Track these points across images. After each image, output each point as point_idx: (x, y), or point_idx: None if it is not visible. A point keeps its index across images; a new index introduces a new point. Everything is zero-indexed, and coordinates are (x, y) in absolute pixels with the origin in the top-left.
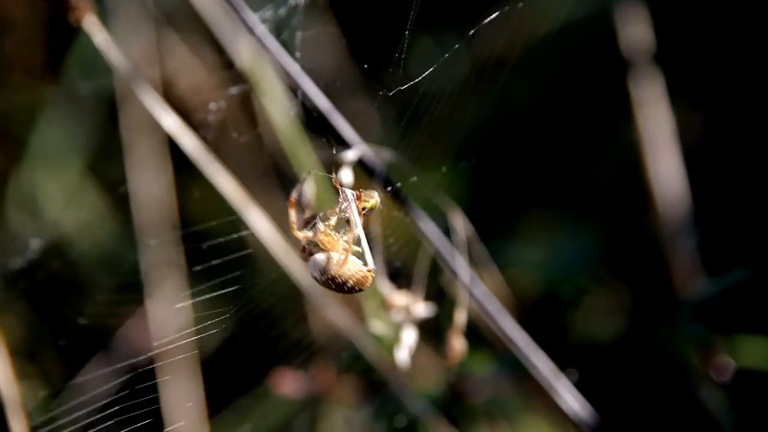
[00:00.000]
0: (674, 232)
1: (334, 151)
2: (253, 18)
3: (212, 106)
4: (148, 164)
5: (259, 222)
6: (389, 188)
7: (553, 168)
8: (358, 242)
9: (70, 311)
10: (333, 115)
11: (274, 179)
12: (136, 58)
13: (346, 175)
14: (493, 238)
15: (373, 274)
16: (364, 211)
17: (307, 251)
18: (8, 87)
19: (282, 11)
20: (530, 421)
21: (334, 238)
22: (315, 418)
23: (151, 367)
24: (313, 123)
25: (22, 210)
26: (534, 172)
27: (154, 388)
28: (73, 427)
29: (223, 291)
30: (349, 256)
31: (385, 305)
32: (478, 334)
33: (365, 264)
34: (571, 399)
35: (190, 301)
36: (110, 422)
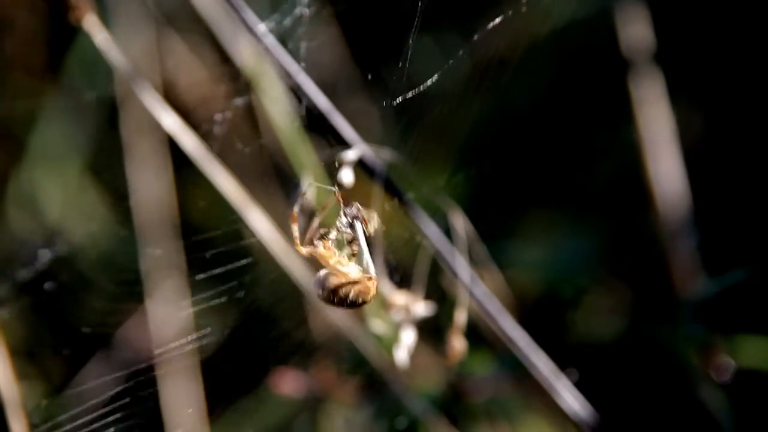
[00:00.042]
0: (674, 232)
1: (335, 151)
2: (253, 18)
3: (218, 116)
4: (148, 164)
5: (259, 222)
6: (389, 188)
7: (553, 168)
8: (360, 255)
9: (70, 311)
10: (333, 114)
11: (274, 179)
12: (136, 58)
13: (347, 175)
14: (493, 238)
15: (375, 282)
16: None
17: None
18: (8, 87)
19: (287, 21)
20: (530, 420)
21: (334, 253)
22: (315, 418)
23: (151, 367)
24: (313, 122)
25: (21, 210)
26: (534, 172)
27: (153, 388)
28: (72, 425)
29: (224, 291)
30: (349, 267)
31: (385, 305)
32: (478, 333)
33: (366, 273)
34: (571, 399)
35: (191, 305)
36: (110, 422)
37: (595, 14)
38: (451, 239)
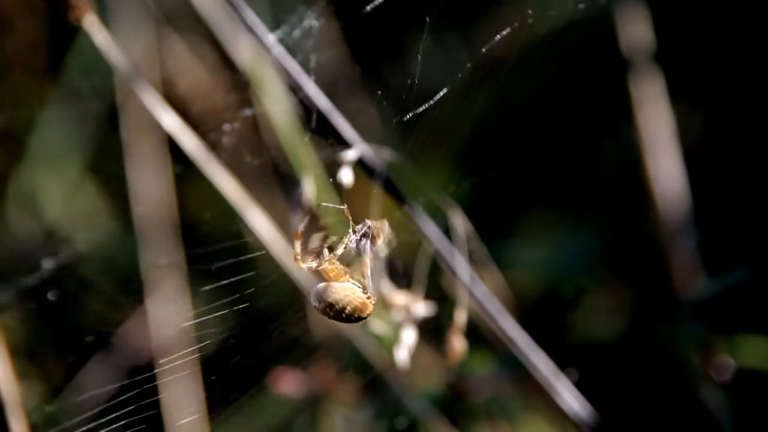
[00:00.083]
0: (674, 231)
1: (335, 151)
2: (253, 17)
3: (226, 127)
4: (148, 164)
5: (259, 222)
6: (389, 188)
7: (553, 168)
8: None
9: (70, 312)
10: (333, 114)
11: (274, 179)
12: (136, 57)
13: (347, 175)
14: (493, 238)
15: (373, 302)
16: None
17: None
18: (8, 87)
19: (289, 23)
20: (530, 420)
21: (338, 269)
22: (315, 418)
23: (151, 367)
24: (314, 122)
25: (22, 210)
26: (534, 172)
27: (154, 389)
28: (69, 421)
29: (224, 291)
30: (349, 283)
31: (385, 305)
32: (478, 333)
33: (365, 291)
34: (571, 399)
35: (191, 305)
36: (110, 422)
37: (595, 14)
38: (451, 239)
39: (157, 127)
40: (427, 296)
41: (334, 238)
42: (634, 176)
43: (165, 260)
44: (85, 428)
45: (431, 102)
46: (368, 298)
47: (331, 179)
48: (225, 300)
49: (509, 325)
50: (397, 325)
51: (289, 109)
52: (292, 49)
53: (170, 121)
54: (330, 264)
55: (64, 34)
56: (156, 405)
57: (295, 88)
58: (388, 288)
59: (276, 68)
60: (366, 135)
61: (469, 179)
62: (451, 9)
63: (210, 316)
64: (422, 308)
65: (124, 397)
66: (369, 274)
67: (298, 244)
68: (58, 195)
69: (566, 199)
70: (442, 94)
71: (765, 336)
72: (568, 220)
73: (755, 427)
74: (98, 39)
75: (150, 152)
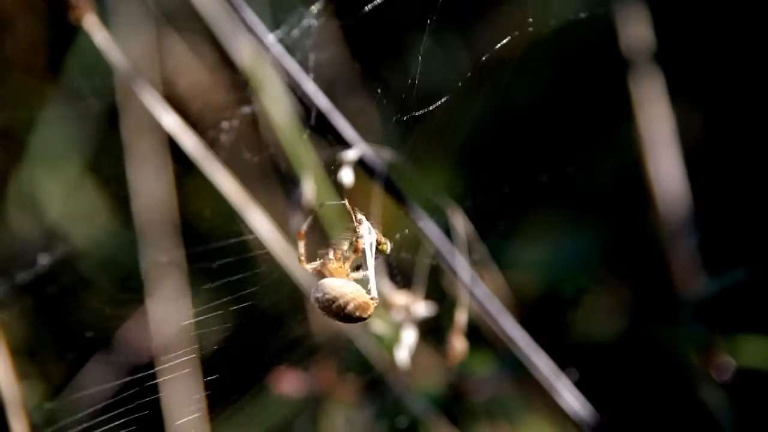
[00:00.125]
0: (674, 231)
1: (335, 151)
2: (253, 17)
3: (225, 125)
4: (148, 164)
5: (259, 221)
6: (389, 188)
7: (553, 168)
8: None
9: (71, 311)
10: (333, 114)
11: (274, 178)
12: (136, 57)
13: (347, 175)
14: (493, 238)
15: (375, 303)
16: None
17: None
18: (8, 87)
19: (295, 32)
20: (531, 420)
21: (341, 267)
22: (316, 418)
23: (151, 366)
24: (314, 123)
25: (22, 209)
26: (534, 172)
27: (154, 388)
28: (69, 421)
29: (224, 291)
30: (352, 282)
31: (386, 305)
32: (479, 333)
33: (368, 292)
34: (571, 398)
35: (191, 305)
36: (110, 422)
37: (595, 14)
38: (451, 239)
39: (157, 126)
40: (428, 296)
41: (336, 238)
42: (634, 176)
43: (165, 258)
44: (85, 425)
45: (432, 107)
46: (371, 299)
47: (331, 179)
48: (226, 299)
49: (509, 325)
50: (397, 325)
51: (289, 108)
52: (291, 48)
53: (170, 121)
54: (335, 262)
55: (64, 34)
56: (156, 404)
57: (294, 88)
58: (388, 288)
59: (275, 67)
60: (366, 135)
61: (469, 179)
62: (451, 9)
63: (210, 313)
64: (422, 308)
65: (124, 396)
66: (372, 274)
67: (301, 245)
68: (58, 195)
69: (566, 199)
70: (443, 100)
71: (765, 336)
72: (568, 220)
73: (755, 427)
74: (98, 39)
75: (150, 152)
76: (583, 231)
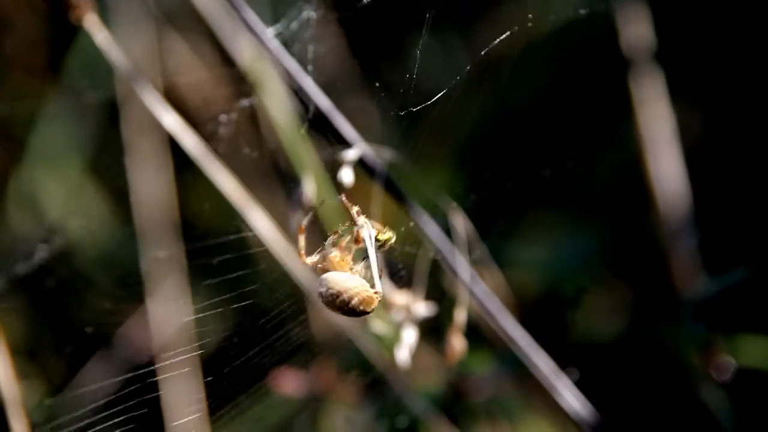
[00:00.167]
0: (675, 231)
1: (335, 150)
2: (253, 17)
3: (223, 117)
4: (148, 163)
5: (259, 221)
6: (389, 188)
7: (553, 168)
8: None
9: (71, 310)
10: (333, 113)
11: (274, 178)
12: (137, 57)
13: (347, 175)
14: (493, 238)
15: (379, 297)
16: (378, 244)
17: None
18: (8, 87)
19: (292, 23)
20: (531, 420)
21: (344, 261)
22: (316, 418)
23: (151, 365)
24: (314, 122)
25: (22, 209)
26: (534, 172)
27: (154, 388)
28: (69, 419)
29: (224, 290)
30: (356, 276)
31: (386, 305)
32: (479, 333)
33: (372, 286)
34: (571, 398)
35: (191, 305)
36: (111, 422)
37: (595, 13)
38: (451, 239)
39: (157, 125)
40: (428, 296)
41: (337, 232)
42: (634, 176)
43: (165, 259)
44: (85, 423)
45: (430, 102)
46: (375, 293)
47: (331, 179)
48: (226, 299)
49: (510, 325)
50: (397, 325)
51: (289, 106)
52: (290, 41)
53: (170, 120)
54: (338, 253)
55: (65, 33)
56: (156, 403)
57: (294, 87)
58: (388, 288)
59: (275, 66)
60: (366, 134)
61: (469, 179)
62: (451, 9)
63: (211, 311)
64: (422, 308)
65: (124, 396)
66: (376, 270)
67: (301, 239)
68: (58, 194)
69: (566, 199)
70: (441, 94)
71: (765, 336)
72: (568, 220)
73: (755, 427)
74: (99, 38)
75: (150, 151)
76: (583, 231)
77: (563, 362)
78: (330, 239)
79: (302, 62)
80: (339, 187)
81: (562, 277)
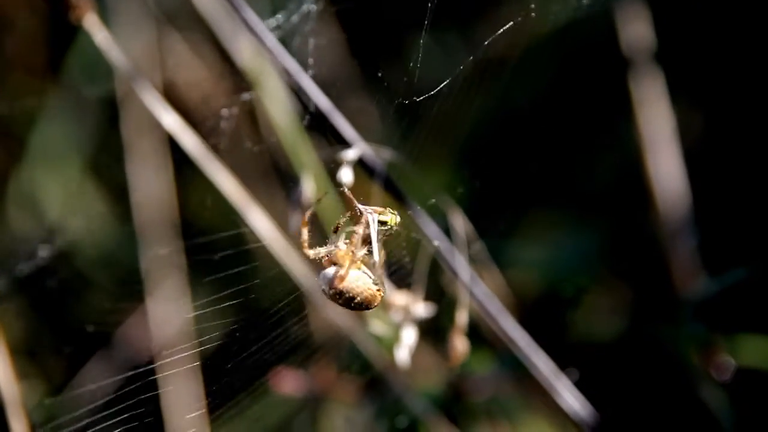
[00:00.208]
0: (674, 231)
1: (335, 150)
2: (253, 17)
3: (224, 112)
4: (148, 163)
5: (259, 220)
6: (389, 188)
7: (553, 167)
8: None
9: (71, 310)
10: (333, 113)
11: (274, 177)
12: (136, 57)
13: (347, 174)
14: (493, 238)
15: (382, 295)
16: (383, 229)
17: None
18: (9, 87)
19: (294, 18)
20: (531, 420)
21: (348, 255)
22: (315, 417)
23: (151, 364)
24: (314, 121)
25: (22, 209)
26: (534, 172)
27: (154, 387)
28: (73, 427)
29: (224, 290)
30: (361, 273)
31: (385, 305)
32: (479, 333)
33: (376, 284)
34: (571, 398)
35: (191, 304)
36: (110, 421)
37: (595, 14)
38: (451, 239)
39: (157, 125)
40: (428, 296)
41: (340, 224)
42: (634, 176)
43: (165, 259)
44: (85, 423)
45: (432, 93)
46: (378, 290)
47: (330, 179)
48: (225, 298)
49: (509, 325)
50: (397, 325)
51: (288, 106)
52: (291, 34)
53: (170, 120)
54: (346, 247)
55: (65, 33)
56: (156, 403)
57: (294, 87)
58: (388, 288)
59: (274, 65)
60: (366, 134)
61: (469, 179)
62: (451, 9)
63: (210, 309)
64: (422, 308)
65: (124, 396)
66: (380, 268)
67: (304, 232)
68: (58, 194)
69: (566, 199)
70: (443, 84)
71: (765, 336)
72: (568, 220)
73: (755, 427)
74: (99, 38)
75: (150, 150)
76: (583, 231)
77: (563, 362)
78: (338, 232)
79: (303, 56)
80: (339, 186)
81: (562, 277)
